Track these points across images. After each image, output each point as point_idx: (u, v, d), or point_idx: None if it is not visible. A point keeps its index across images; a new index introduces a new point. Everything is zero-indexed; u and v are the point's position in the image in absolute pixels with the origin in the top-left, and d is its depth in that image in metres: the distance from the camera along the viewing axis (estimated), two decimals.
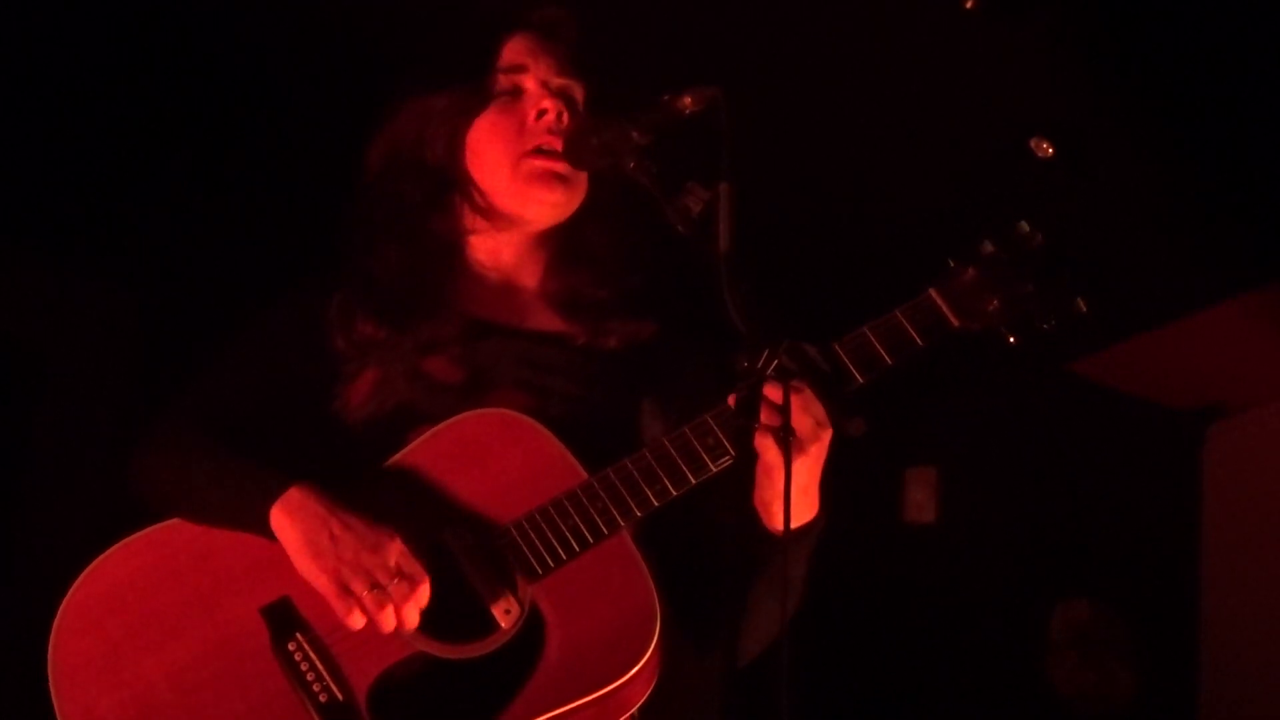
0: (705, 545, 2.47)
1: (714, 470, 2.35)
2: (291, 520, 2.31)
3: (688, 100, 2.29)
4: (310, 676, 2.29)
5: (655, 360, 2.54)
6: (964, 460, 6.06)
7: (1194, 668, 6.00)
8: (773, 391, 2.25)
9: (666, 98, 2.31)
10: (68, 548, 2.49)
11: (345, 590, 2.27)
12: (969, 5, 3.84)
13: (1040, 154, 4.43)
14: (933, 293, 2.42)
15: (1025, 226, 2.45)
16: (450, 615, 2.31)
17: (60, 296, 4.64)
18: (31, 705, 2.38)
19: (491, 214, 2.56)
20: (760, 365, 2.16)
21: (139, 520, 2.45)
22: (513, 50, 2.56)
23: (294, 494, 2.32)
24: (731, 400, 2.34)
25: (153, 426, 2.52)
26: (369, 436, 2.43)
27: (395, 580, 2.26)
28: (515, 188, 2.53)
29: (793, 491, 2.16)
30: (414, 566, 2.27)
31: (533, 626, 2.30)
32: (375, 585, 2.25)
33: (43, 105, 4.19)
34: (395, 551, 2.27)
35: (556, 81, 2.55)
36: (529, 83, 2.55)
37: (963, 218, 4.85)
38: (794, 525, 2.27)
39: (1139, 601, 6.07)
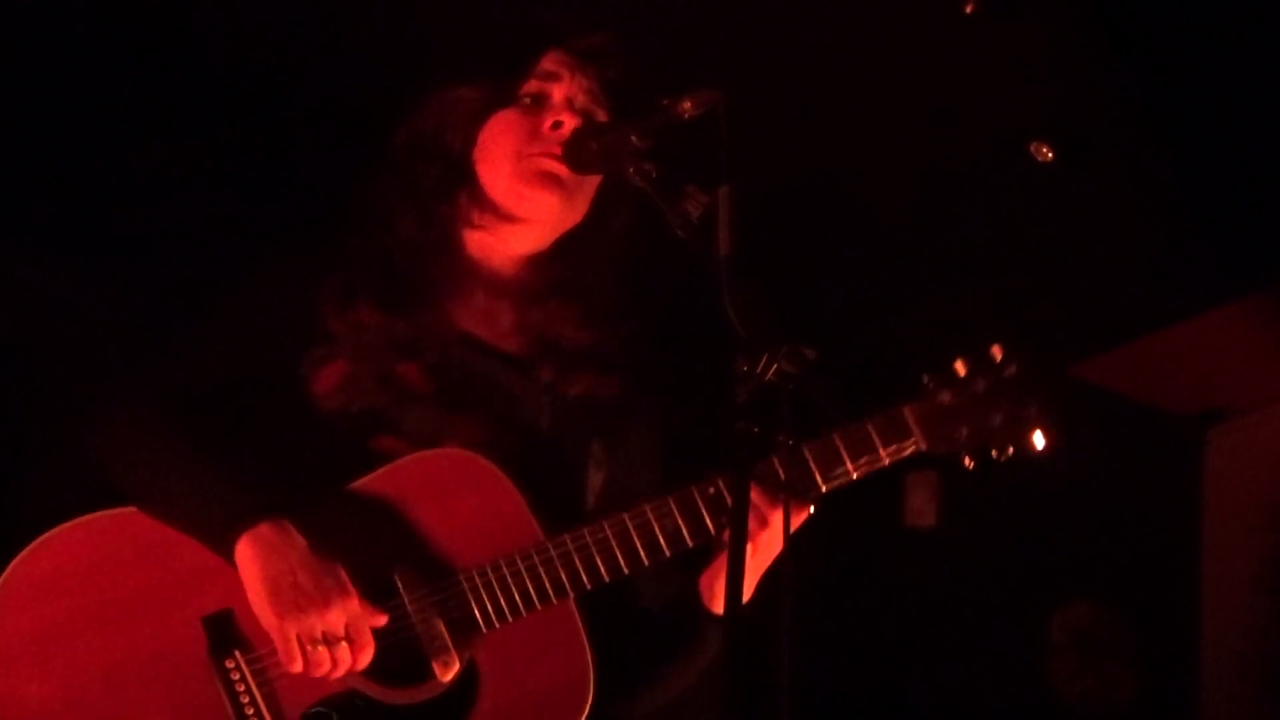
0: (637, 615, 2.50)
1: (667, 555, 2.38)
2: (257, 554, 2.30)
3: (687, 104, 2.26)
4: (245, 699, 2.30)
5: (610, 412, 2.56)
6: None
7: (1195, 670, 5.99)
8: (757, 494, 2.32)
9: (666, 102, 2.30)
10: None
11: (292, 639, 2.28)
12: (969, 10, 3.83)
13: (1040, 158, 4.43)
14: (906, 411, 2.43)
15: (999, 352, 2.45)
16: (390, 658, 2.32)
17: (59, 296, 4.64)
18: None
19: (488, 208, 2.56)
20: (760, 369, 2.15)
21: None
22: (551, 61, 2.56)
23: (265, 530, 2.31)
24: (693, 490, 2.38)
25: (123, 385, 2.48)
26: (333, 434, 2.42)
27: (341, 644, 2.28)
28: (512, 185, 2.52)
29: (746, 572, 2.10)
30: (364, 634, 2.29)
31: (468, 681, 2.32)
32: (322, 642, 2.27)
33: (43, 105, 4.19)
34: (351, 612, 2.29)
35: (583, 101, 2.54)
36: (556, 94, 2.54)
37: (961, 223, 4.88)
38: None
39: (1140, 604, 6.06)
